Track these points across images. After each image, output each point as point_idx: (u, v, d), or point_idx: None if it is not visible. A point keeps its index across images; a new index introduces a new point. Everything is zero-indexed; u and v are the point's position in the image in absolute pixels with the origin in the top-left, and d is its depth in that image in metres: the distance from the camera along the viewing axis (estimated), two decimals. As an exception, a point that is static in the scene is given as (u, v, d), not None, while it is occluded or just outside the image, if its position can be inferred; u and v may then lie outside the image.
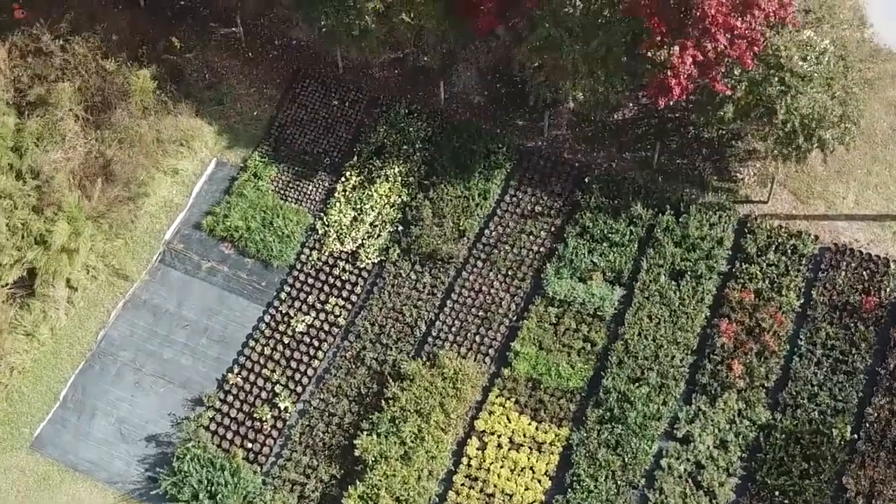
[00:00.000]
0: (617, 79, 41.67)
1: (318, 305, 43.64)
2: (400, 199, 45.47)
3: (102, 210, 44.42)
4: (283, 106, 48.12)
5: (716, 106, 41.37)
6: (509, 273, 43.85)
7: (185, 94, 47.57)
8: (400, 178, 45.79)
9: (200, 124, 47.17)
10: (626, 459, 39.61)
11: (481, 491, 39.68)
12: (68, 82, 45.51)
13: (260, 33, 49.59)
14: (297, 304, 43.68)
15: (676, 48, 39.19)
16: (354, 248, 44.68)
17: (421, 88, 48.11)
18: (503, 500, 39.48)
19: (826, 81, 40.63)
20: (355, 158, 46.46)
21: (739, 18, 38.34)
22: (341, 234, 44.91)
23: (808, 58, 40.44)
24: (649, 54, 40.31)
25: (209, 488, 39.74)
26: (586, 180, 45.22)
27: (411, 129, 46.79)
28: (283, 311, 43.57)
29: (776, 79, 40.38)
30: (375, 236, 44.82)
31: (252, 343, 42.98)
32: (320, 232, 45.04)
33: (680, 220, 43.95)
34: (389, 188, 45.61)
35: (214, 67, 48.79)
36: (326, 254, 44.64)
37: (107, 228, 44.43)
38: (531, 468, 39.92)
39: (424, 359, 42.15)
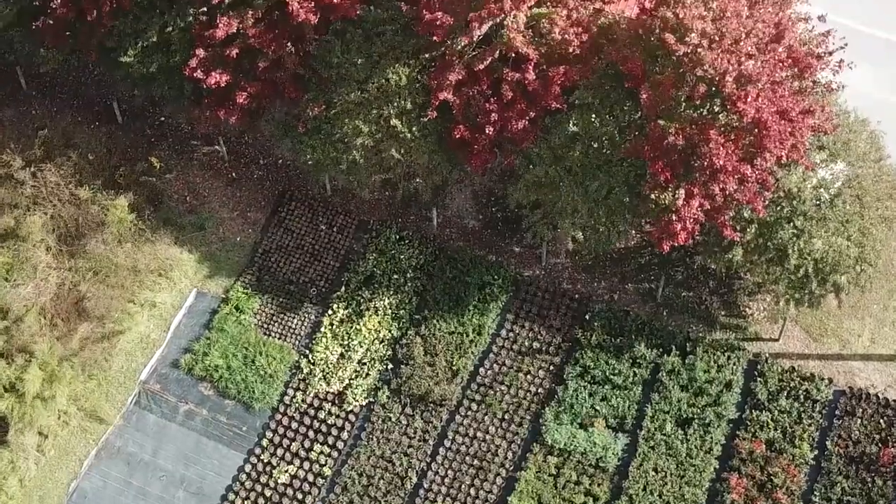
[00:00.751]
0: (619, 219, 39.33)
1: (303, 453, 41.10)
2: (390, 335, 43.03)
3: (75, 349, 42.01)
4: (267, 231, 45.73)
5: (724, 248, 39.03)
6: (506, 417, 41.37)
7: (165, 219, 45.18)
8: (390, 311, 43.36)
9: (180, 252, 44.77)
10: None
11: None
12: (40, 212, 43.20)
13: (244, 152, 47.25)
14: (279, 451, 41.15)
15: (682, 192, 36.88)
16: (341, 389, 42.19)
17: (413, 212, 45.76)
18: None
19: (841, 224, 38.29)
20: (343, 289, 44.03)
21: (750, 165, 35.96)
22: (327, 373, 42.44)
23: (822, 200, 38.14)
24: (653, 196, 38.00)
25: None
26: (587, 317, 42.81)
27: (402, 256, 44.43)
28: (265, 460, 41.02)
29: (788, 222, 38.07)
30: (363, 376, 42.35)
31: (231, 496, 40.41)
32: (305, 371, 42.56)
33: (686, 360, 41.49)
34: (379, 322, 43.19)
35: (196, 189, 46.42)
36: (311, 395, 42.16)
37: (79, 369, 41.98)
38: None
39: (415, 515, 39.72)
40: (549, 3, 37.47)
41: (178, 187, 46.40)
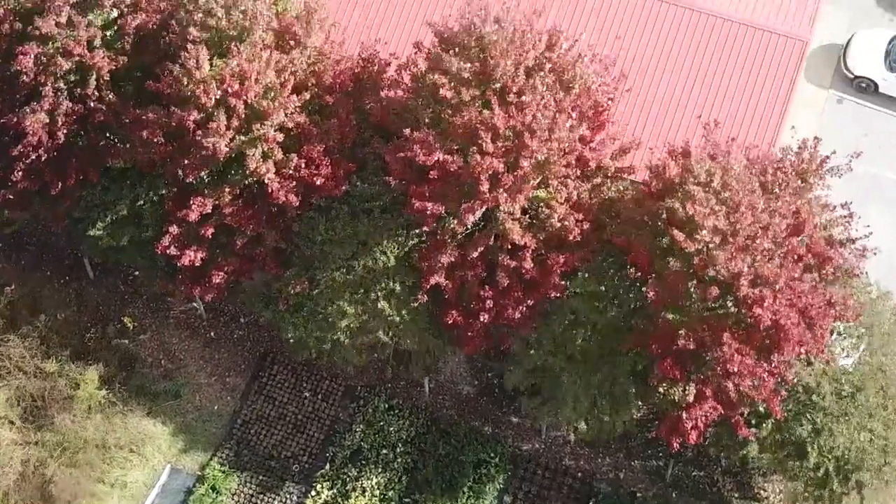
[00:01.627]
0: (624, 409, 36.51)
1: None
2: (378, 519, 40.16)
3: (40, 540, 39.18)
4: (247, 398, 42.78)
5: (738, 444, 36.15)
6: None
7: (138, 387, 42.23)
8: (378, 493, 40.40)
9: (153, 424, 41.83)
10: None
11: None
12: (3, 387, 40.34)
13: (224, 309, 44.29)
14: None
15: (692, 389, 34.04)
16: (325, 581, 39.31)
17: (403, 376, 42.80)
18: None
19: (865, 418, 35.39)
20: (328, 466, 41.08)
21: (766, 362, 33.06)
22: (310, 564, 39.57)
23: (845, 394, 35.27)
24: (661, 389, 35.20)
25: None
26: (592, 502, 39.84)
27: (392, 428, 41.51)
28: None
29: (807, 418, 35.21)
30: (349, 567, 39.46)
31: None
32: (286, 562, 39.73)
33: (697, 553, 38.66)
34: (366, 504, 40.32)
35: (171, 351, 43.46)
36: (293, 589, 39.28)
37: (43, 562, 39.11)
38: None
39: None
40: (545, 185, 34.60)
41: (153, 349, 43.47)
